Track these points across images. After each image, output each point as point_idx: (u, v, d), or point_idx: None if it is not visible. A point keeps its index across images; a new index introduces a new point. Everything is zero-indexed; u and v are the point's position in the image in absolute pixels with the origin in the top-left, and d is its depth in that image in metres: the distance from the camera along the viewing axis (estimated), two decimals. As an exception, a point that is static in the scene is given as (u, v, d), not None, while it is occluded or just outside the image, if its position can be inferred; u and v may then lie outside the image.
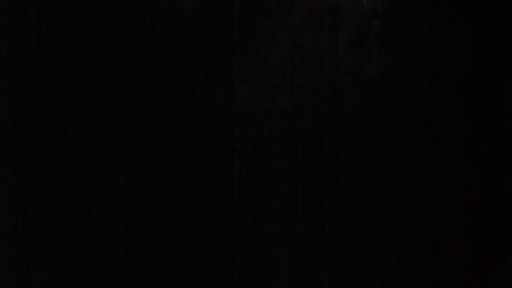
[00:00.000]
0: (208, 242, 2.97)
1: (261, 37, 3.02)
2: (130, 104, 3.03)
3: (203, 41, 3.04)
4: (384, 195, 3.01)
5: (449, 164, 3.06)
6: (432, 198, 3.02)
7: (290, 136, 3.04)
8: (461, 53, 3.16)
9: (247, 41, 3.02)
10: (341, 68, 3.03)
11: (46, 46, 2.99)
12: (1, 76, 2.94)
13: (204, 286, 2.92)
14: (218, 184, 3.00)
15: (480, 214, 3.01)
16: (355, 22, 3.05)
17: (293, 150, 3.04)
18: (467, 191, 3.03)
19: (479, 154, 3.08)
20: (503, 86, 3.13)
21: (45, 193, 2.93)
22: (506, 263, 2.95)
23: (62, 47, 2.99)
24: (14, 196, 2.91)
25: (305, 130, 3.04)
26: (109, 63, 3.01)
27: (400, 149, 3.04)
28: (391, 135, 3.04)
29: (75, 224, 2.91)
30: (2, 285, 2.81)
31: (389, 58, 3.09)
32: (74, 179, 2.96)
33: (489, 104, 3.13)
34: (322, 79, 3.04)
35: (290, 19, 3.02)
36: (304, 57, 3.03)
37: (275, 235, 2.98)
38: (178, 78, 3.05)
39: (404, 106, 3.05)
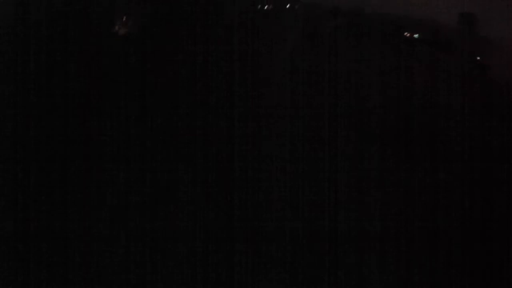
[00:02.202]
0: (208, 241, 2.97)
1: (261, 37, 3.02)
2: (130, 102, 3.03)
3: (203, 41, 3.03)
4: (384, 195, 3.01)
5: (450, 163, 3.06)
6: (432, 198, 3.02)
7: (290, 136, 3.03)
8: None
9: (247, 42, 3.02)
10: (341, 68, 3.03)
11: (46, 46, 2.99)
12: (1, 76, 2.94)
13: (204, 286, 2.92)
14: (218, 183, 3.00)
15: (480, 214, 3.01)
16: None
17: (293, 150, 3.03)
18: (467, 191, 3.03)
19: (480, 152, 3.08)
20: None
21: (45, 193, 2.94)
22: (506, 263, 2.95)
23: (62, 47, 2.99)
24: (14, 196, 2.92)
25: (305, 130, 3.04)
26: (109, 61, 3.01)
27: (400, 149, 3.04)
28: (392, 135, 3.04)
29: (75, 224, 2.91)
30: (2, 285, 2.82)
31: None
32: (74, 179, 2.96)
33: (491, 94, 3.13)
34: (322, 79, 3.03)
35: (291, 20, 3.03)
36: (304, 58, 3.02)
37: (275, 235, 2.98)
38: (179, 78, 3.05)
39: (405, 106, 3.05)
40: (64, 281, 2.88)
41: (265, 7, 3.09)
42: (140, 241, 2.94)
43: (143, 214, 3.01)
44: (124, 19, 3.03)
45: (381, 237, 3.00)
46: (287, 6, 3.14)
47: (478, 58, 3.09)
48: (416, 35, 3.11)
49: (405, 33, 3.15)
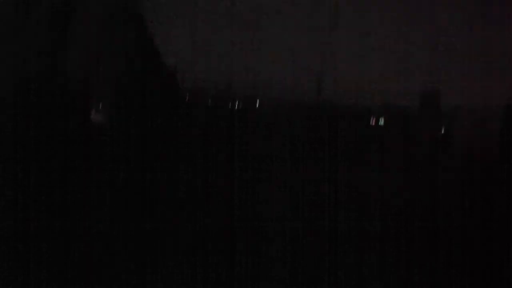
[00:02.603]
0: (208, 242, 2.98)
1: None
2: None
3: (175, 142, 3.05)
4: (384, 195, 3.01)
5: (450, 163, 3.05)
6: (433, 197, 3.02)
7: (290, 136, 3.03)
8: None
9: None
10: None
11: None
12: (2, 76, 2.94)
13: (204, 286, 2.92)
14: (218, 184, 3.00)
15: (481, 214, 3.00)
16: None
17: (293, 150, 3.03)
18: (468, 191, 3.03)
19: (481, 151, 3.07)
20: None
21: (45, 193, 2.94)
22: (506, 263, 2.94)
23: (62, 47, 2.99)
24: (14, 196, 2.92)
25: (305, 129, 3.04)
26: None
27: (400, 149, 3.04)
28: (390, 135, 3.04)
29: (75, 224, 2.91)
30: (2, 285, 2.82)
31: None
32: (74, 179, 2.96)
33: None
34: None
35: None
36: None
37: (275, 235, 2.98)
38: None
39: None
40: (64, 281, 2.88)
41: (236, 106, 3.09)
42: (140, 243, 2.94)
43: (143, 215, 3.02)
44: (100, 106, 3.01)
45: (381, 237, 3.00)
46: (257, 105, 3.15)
47: (443, 131, 3.08)
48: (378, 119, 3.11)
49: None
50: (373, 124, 3.08)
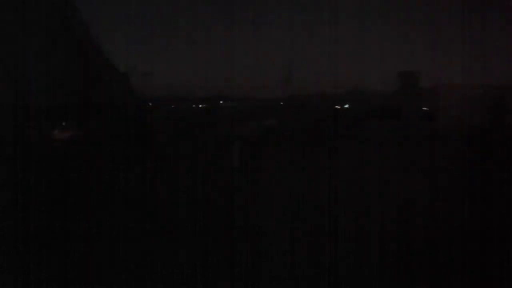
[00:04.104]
0: (208, 242, 2.97)
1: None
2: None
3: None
4: (384, 195, 3.02)
5: (450, 163, 3.07)
6: (433, 198, 3.03)
7: (290, 136, 3.05)
8: None
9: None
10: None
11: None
12: (2, 76, 2.94)
13: (204, 285, 2.92)
14: (218, 184, 3.00)
15: (481, 214, 3.02)
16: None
17: (293, 150, 3.05)
18: (467, 191, 3.04)
19: (480, 150, 3.09)
20: None
21: (45, 194, 2.93)
22: (506, 263, 2.95)
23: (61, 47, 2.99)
24: (14, 196, 2.91)
25: (305, 130, 3.05)
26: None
27: (400, 150, 3.05)
28: (390, 135, 3.06)
29: (75, 224, 2.91)
30: (2, 285, 2.80)
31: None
32: (74, 180, 2.96)
33: None
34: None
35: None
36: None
37: (275, 235, 2.99)
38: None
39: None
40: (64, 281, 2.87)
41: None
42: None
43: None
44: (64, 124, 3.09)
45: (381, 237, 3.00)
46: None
47: (424, 108, 3.15)
48: (346, 106, 3.21)
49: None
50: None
